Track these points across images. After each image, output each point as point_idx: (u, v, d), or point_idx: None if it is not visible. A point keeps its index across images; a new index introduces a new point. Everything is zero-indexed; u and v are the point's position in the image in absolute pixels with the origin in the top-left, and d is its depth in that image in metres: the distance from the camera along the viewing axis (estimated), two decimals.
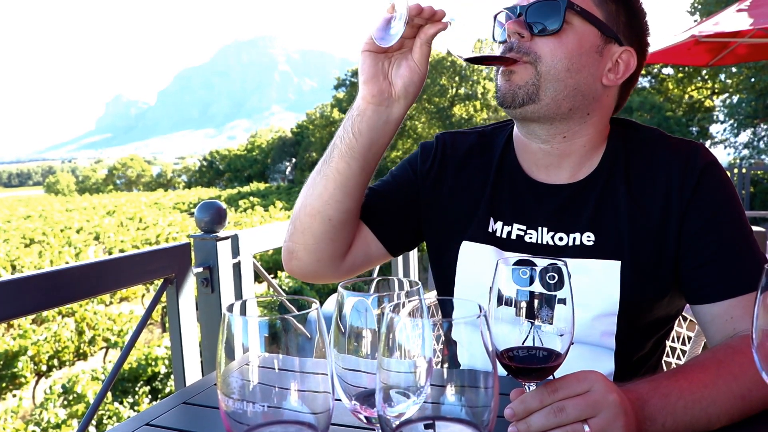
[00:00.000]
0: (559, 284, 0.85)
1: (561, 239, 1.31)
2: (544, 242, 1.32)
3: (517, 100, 1.27)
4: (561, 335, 0.85)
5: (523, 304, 0.85)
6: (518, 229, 1.36)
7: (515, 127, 1.43)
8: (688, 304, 1.32)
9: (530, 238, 1.34)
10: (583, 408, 0.84)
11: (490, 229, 1.38)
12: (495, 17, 1.30)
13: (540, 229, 1.34)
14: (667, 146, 1.33)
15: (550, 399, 0.85)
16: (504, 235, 1.37)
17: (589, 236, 1.29)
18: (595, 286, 1.25)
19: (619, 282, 1.25)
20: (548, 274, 0.85)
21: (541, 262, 0.85)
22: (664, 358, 2.17)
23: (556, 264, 0.85)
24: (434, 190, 1.46)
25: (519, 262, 0.86)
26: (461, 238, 1.39)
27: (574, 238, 1.30)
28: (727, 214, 1.25)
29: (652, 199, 1.28)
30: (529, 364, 0.87)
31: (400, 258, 3.85)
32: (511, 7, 1.29)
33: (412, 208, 1.47)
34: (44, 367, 9.14)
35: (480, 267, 1.35)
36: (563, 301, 0.85)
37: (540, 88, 1.25)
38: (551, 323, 0.85)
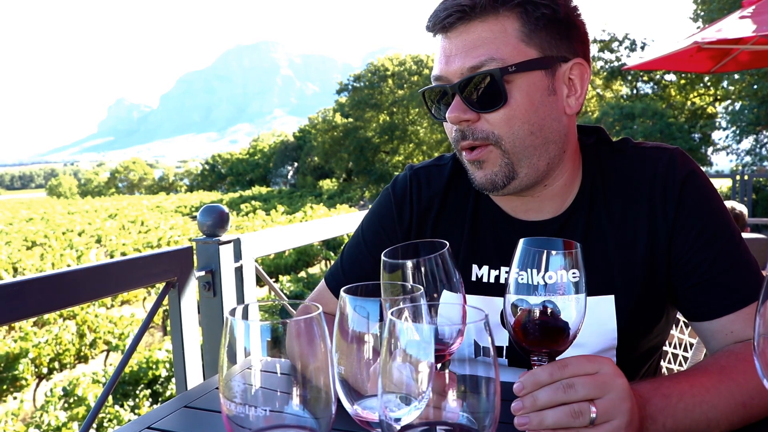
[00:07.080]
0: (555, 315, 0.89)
1: (551, 278, 1.27)
2: (535, 283, 1.29)
3: (498, 184, 1.21)
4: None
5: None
6: (507, 272, 1.27)
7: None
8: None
9: (522, 279, 1.30)
10: (592, 387, 0.84)
11: (473, 278, 1.31)
12: (423, 95, 1.26)
13: (529, 270, 1.30)
14: (642, 159, 1.26)
15: (560, 374, 0.85)
16: (492, 280, 1.30)
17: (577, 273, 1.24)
18: (591, 325, 1.20)
19: (615, 316, 1.21)
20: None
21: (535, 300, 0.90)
22: (666, 365, 2.17)
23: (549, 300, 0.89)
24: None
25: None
26: (441, 288, 1.34)
27: (562, 276, 1.27)
28: (715, 226, 1.20)
29: (636, 222, 1.23)
30: (541, 339, 0.87)
31: None
32: (439, 86, 1.20)
33: None
34: (45, 370, 9.14)
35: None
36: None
37: (514, 164, 1.20)
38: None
